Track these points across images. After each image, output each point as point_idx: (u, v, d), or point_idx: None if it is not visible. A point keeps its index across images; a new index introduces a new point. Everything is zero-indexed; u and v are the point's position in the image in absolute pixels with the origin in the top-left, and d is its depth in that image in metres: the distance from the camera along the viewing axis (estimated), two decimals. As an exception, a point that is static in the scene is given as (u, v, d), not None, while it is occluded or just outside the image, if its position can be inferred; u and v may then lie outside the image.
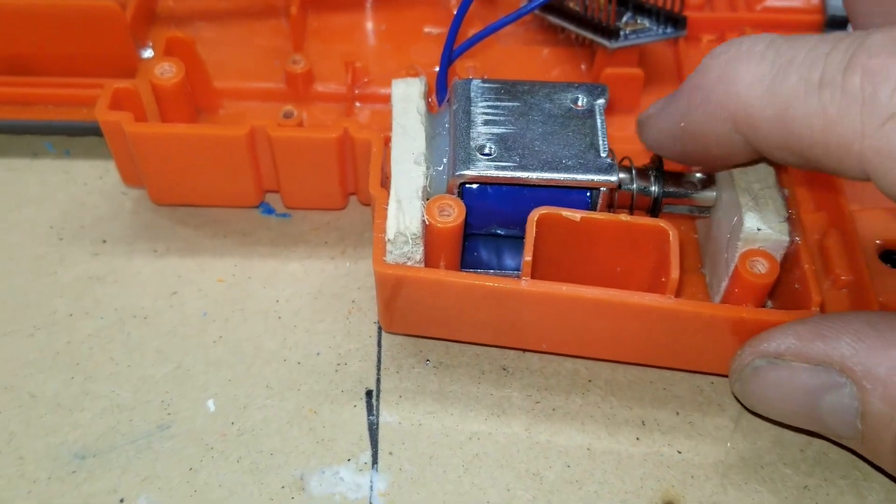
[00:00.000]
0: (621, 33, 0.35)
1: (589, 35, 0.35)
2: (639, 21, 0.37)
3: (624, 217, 0.28)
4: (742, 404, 0.29)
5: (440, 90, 0.32)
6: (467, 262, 0.31)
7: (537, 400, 0.30)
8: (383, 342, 0.31)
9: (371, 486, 0.28)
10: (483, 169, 0.28)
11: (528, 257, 0.27)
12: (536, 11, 0.38)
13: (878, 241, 0.31)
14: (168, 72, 0.31)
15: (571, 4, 0.37)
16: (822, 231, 0.32)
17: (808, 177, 0.33)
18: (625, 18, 0.37)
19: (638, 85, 0.35)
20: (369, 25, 0.39)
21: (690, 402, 0.30)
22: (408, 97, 0.31)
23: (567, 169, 0.28)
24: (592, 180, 0.28)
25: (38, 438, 0.28)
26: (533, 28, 0.39)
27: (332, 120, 0.35)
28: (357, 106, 0.36)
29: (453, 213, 0.28)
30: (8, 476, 0.28)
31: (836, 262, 0.30)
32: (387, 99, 0.35)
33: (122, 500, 0.27)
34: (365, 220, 0.34)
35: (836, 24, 0.38)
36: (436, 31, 0.38)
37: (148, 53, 0.37)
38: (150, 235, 0.33)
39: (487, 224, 0.30)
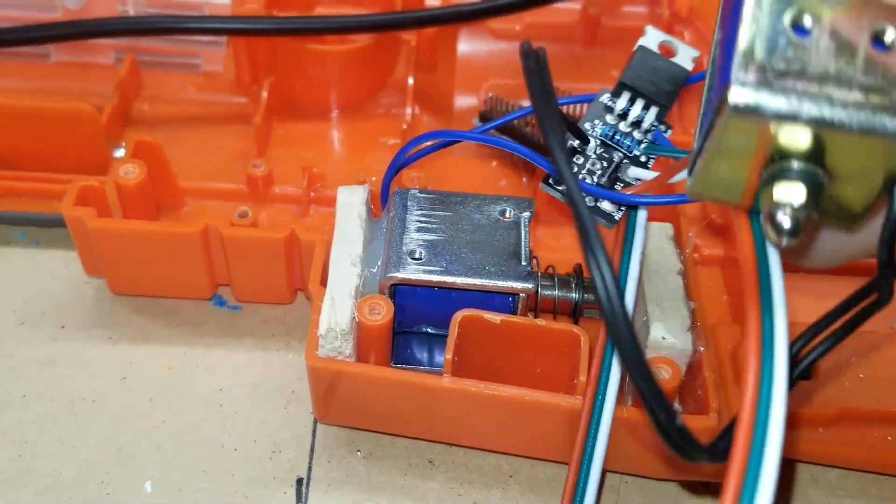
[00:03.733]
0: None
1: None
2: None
3: (540, 321, 0.30)
4: None
5: (383, 198, 0.34)
6: (401, 357, 0.33)
7: (459, 493, 0.32)
8: (318, 432, 0.33)
9: (294, 571, 0.29)
10: (412, 272, 0.30)
11: (448, 356, 0.29)
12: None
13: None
14: (131, 172, 0.34)
15: (516, 123, 0.40)
16: (736, 341, 0.34)
17: (730, 290, 0.35)
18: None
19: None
20: (330, 134, 0.42)
21: (607, 502, 0.32)
22: (350, 204, 0.33)
23: (489, 275, 0.30)
24: (512, 286, 0.30)
25: (-21, 513, 0.30)
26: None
27: (288, 220, 0.38)
28: (312, 208, 0.39)
29: (382, 312, 0.30)
30: (-54, 548, 0.29)
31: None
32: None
33: (53, 576, 0.29)
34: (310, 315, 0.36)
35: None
36: (391, 141, 0.41)
37: (120, 153, 0.40)
38: (107, 323, 0.35)
39: (418, 322, 0.32)
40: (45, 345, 0.35)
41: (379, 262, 0.31)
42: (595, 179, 0.29)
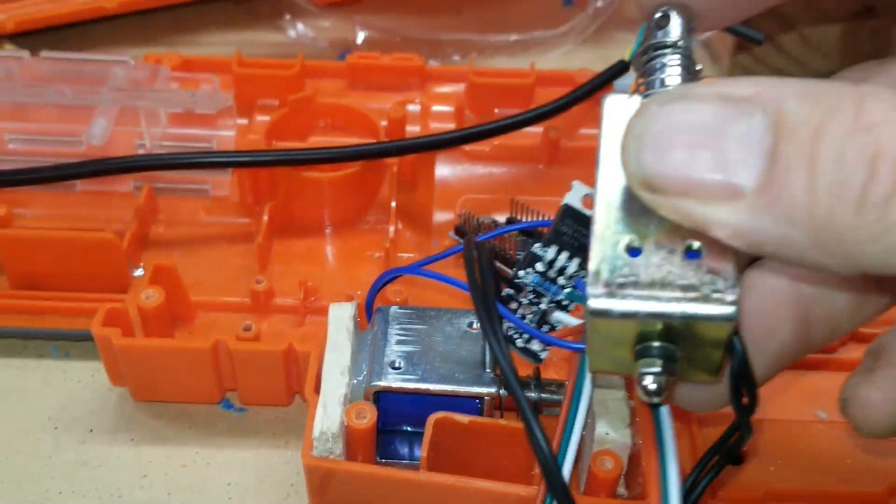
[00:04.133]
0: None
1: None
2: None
3: (502, 421, 0.35)
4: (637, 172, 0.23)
5: (368, 312, 0.40)
6: (386, 452, 0.38)
7: (439, 572, 0.36)
8: (315, 521, 0.38)
9: None
10: (392, 381, 0.35)
11: (424, 453, 0.34)
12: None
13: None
14: (151, 297, 0.39)
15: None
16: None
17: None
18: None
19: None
20: (324, 249, 0.47)
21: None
22: (340, 318, 0.38)
23: (458, 382, 0.35)
24: (477, 392, 0.35)
25: None
26: (456, 256, 0.47)
27: (287, 330, 0.43)
28: (308, 318, 0.44)
29: (367, 417, 0.35)
30: None
31: (682, 459, 0.37)
32: (328, 314, 0.43)
33: None
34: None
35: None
36: (377, 254, 0.47)
37: (139, 272, 0.45)
38: (130, 426, 0.41)
39: (399, 423, 0.37)
40: (77, 447, 0.40)
41: (364, 372, 0.36)
42: (527, 323, 0.35)
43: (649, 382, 0.24)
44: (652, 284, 0.23)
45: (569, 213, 0.35)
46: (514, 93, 0.51)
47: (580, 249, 0.35)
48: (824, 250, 0.21)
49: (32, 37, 0.56)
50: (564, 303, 0.35)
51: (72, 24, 0.55)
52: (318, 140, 0.50)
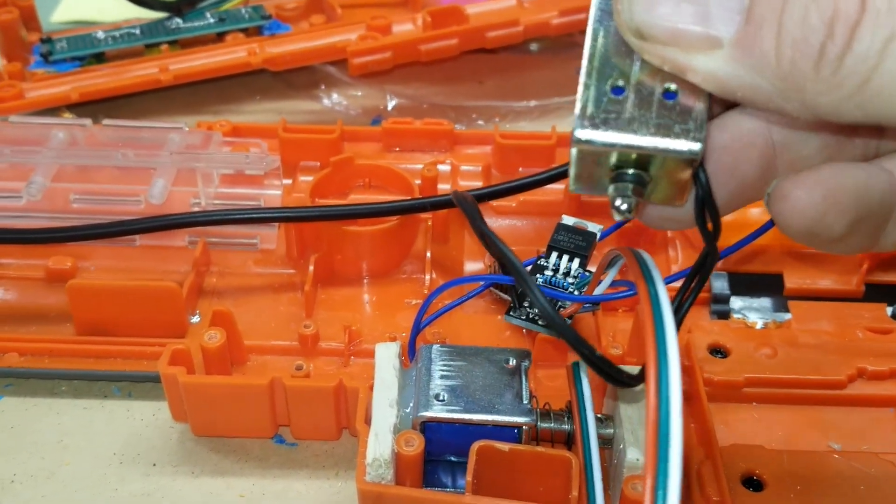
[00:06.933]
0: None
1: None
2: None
3: (539, 448, 0.38)
4: None
5: (411, 351, 0.43)
6: (430, 482, 0.41)
7: (482, 592, 0.39)
8: (364, 546, 0.41)
9: None
10: (437, 412, 0.39)
11: (469, 478, 0.37)
12: (491, 288, 0.50)
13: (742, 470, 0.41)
14: (214, 338, 0.43)
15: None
16: (699, 461, 0.42)
17: (696, 419, 0.44)
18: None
19: (564, 348, 0.47)
20: (364, 297, 0.51)
21: None
22: (387, 357, 0.42)
23: (498, 412, 0.39)
24: (516, 421, 0.38)
25: None
26: (489, 300, 0.51)
27: (333, 371, 0.47)
28: (352, 359, 0.47)
29: (415, 444, 0.38)
30: None
31: (708, 486, 0.40)
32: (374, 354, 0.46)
33: None
34: (354, 448, 0.45)
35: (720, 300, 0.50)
36: (414, 301, 0.50)
37: (195, 319, 0.49)
38: (191, 460, 0.44)
39: (443, 452, 0.40)
40: (141, 480, 0.43)
41: (411, 404, 0.40)
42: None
43: (620, 203, 0.28)
44: (631, 120, 0.27)
45: (562, 227, 0.44)
46: (536, 153, 0.55)
47: (576, 252, 0.42)
48: (786, 97, 0.25)
49: (90, 106, 0.60)
50: (574, 292, 0.42)
51: (128, 94, 0.60)
52: (357, 197, 0.54)
